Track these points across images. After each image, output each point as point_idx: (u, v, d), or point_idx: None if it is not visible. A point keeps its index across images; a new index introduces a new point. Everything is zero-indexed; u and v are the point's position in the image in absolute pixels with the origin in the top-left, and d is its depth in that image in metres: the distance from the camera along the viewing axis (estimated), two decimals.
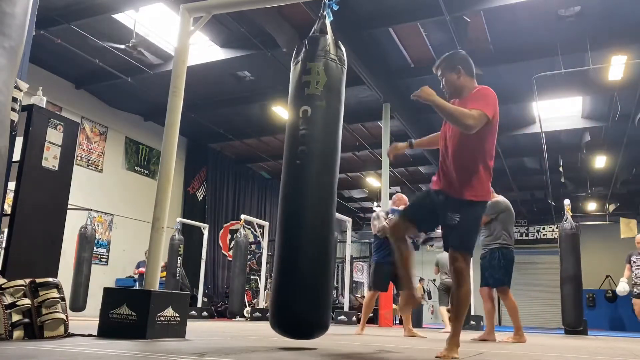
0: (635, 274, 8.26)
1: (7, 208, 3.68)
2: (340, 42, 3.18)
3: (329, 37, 3.12)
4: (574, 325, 8.06)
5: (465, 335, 5.99)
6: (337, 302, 12.90)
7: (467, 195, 2.75)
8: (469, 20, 7.72)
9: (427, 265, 17.89)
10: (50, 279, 2.91)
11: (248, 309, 11.14)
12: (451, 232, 2.80)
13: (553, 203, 15.43)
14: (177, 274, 10.97)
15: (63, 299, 2.91)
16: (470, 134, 2.69)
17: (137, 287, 10.44)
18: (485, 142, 2.80)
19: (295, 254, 2.80)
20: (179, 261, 11.01)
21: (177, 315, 3.31)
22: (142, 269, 11.09)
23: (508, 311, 5.40)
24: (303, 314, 2.74)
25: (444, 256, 7.19)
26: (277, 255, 2.89)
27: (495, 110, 2.76)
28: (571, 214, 8.84)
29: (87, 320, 5.51)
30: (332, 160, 3.00)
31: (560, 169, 13.65)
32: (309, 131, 2.94)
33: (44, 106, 3.69)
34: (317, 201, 2.90)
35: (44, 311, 2.78)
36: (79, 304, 9.38)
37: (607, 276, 16.58)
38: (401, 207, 5.98)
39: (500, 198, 5.64)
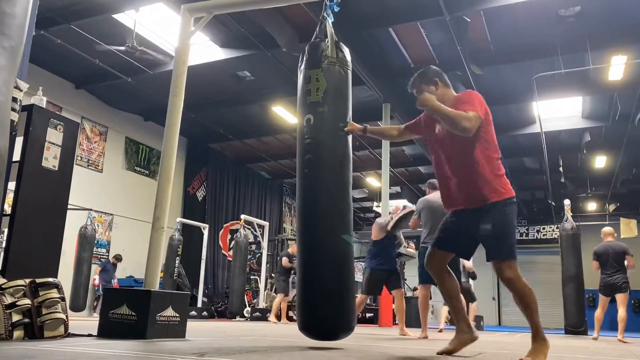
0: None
1: (7, 208, 3.68)
2: (342, 44, 3.17)
3: (328, 40, 3.11)
4: (577, 326, 8.03)
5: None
6: None
7: (491, 197, 2.61)
8: (469, 20, 7.72)
9: None
10: (50, 279, 2.91)
11: (248, 309, 11.14)
12: (489, 243, 2.63)
13: (553, 203, 15.42)
14: (176, 274, 10.96)
15: (63, 299, 2.91)
16: (469, 136, 2.62)
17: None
18: (482, 141, 2.69)
19: (316, 261, 2.86)
20: (177, 261, 11.01)
21: (177, 315, 3.31)
22: (97, 277, 10.54)
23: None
24: (328, 319, 2.82)
25: None
26: (299, 262, 2.96)
27: (486, 109, 2.72)
28: (571, 214, 8.85)
29: (87, 320, 5.51)
30: (341, 164, 3.00)
31: (560, 169, 13.64)
32: (313, 139, 2.98)
33: (44, 106, 3.69)
34: (332, 208, 2.92)
35: (44, 311, 2.78)
36: (79, 304, 9.40)
37: None
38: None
39: (424, 197, 5.70)
